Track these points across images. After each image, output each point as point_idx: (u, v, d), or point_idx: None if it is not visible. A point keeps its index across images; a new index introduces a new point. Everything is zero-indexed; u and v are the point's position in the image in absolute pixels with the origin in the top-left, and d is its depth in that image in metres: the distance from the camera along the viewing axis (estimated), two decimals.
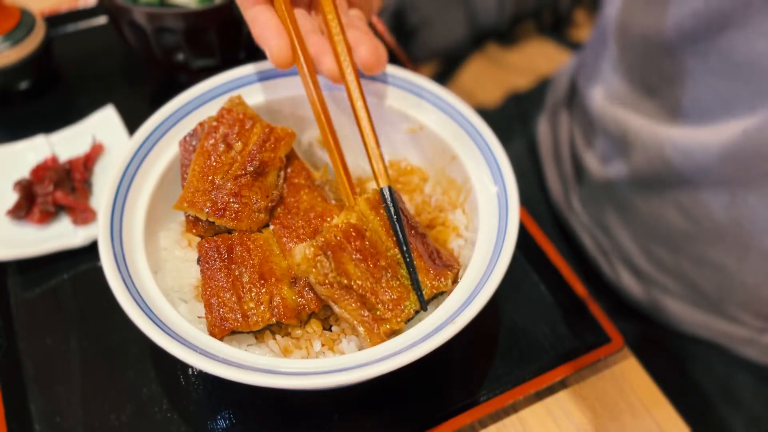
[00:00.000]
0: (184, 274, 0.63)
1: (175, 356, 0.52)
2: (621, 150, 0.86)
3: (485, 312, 0.54)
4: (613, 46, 0.86)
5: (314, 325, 0.59)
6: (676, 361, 0.90)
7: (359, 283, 0.56)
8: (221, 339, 0.56)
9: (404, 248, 0.58)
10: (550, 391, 0.69)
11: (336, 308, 0.56)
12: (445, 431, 0.63)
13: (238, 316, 0.56)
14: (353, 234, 0.57)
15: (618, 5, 0.83)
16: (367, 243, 0.58)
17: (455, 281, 0.60)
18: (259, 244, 0.60)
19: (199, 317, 0.60)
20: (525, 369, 0.67)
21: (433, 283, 0.58)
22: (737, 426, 0.85)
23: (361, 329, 0.56)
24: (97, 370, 0.66)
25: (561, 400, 0.68)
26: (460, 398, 0.65)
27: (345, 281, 0.56)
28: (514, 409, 0.67)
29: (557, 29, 1.82)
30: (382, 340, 0.55)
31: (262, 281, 0.58)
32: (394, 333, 0.56)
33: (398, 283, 0.58)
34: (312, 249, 0.55)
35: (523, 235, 0.76)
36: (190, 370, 0.66)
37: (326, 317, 0.60)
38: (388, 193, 0.60)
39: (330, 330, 0.60)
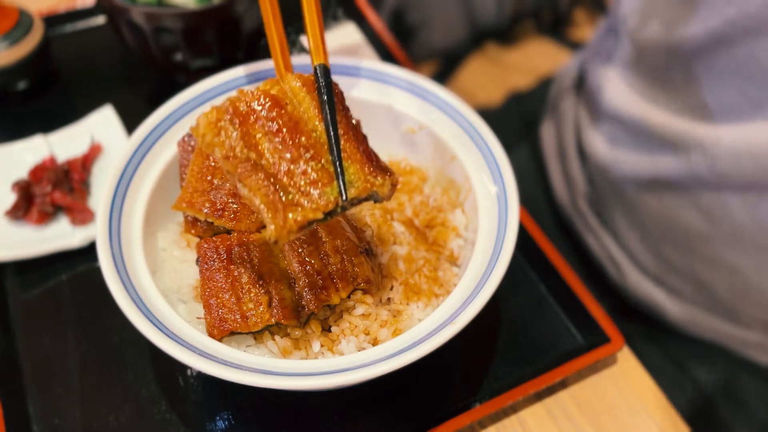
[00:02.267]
0: (183, 274, 0.63)
1: (174, 357, 0.52)
2: (639, 148, 0.85)
3: (485, 312, 0.54)
4: (628, 45, 0.85)
5: (313, 326, 0.59)
6: (677, 362, 0.90)
7: (271, 159, 0.48)
8: (220, 340, 0.56)
9: (330, 126, 0.49)
10: (550, 391, 0.68)
11: (240, 188, 0.48)
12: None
13: (237, 316, 0.56)
14: (268, 103, 0.49)
15: (633, 6, 0.83)
16: (286, 117, 0.49)
17: (392, 188, 0.51)
18: (258, 244, 0.60)
19: (198, 318, 0.60)
20: (525, 369, 0.67)
21: (368, 177, 0.49)
22: (740, 429, 0.84)
23: (266, 214, 0.47)
24: (96, 372, 0.66)
25: (561, 400, 0.68)
26: (460, 399, 0.65)
27: (253, 156, 0.47)
28: (513, 409, 0.67)
29: (557, 29, 1.82)
30: (290, 231, 0.47)
31: (261, 282, 0.57)
32: (308, 224, 0.48)
33: (320, 166, 0.49)
34: (215, 113, 0.47)
35: (523, 235, 0.76)
36: (188, 371, 0.66)
37: (325, 318, 0.60)
38: (322, 71, 0.54)
39: (329, 331, 0.60)
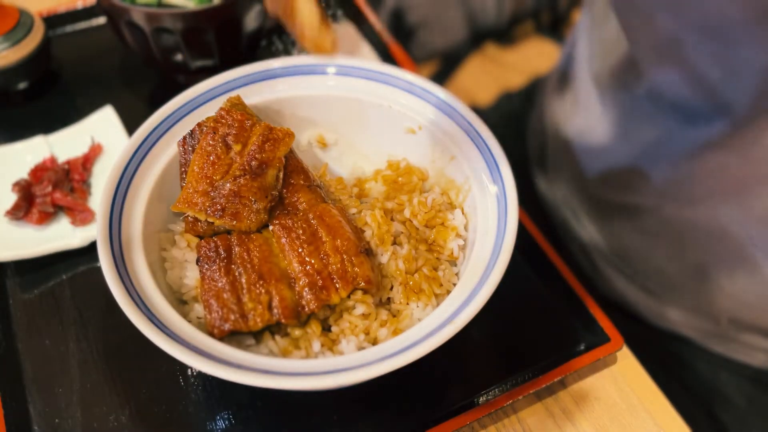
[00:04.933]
0: (183, 274, 0.63)
1: (174, 357, 0.52)
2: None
3: (484, 311, 0.54)
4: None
5: (313, 326, 0.59)
6: (666, 361, 0.90)
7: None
8: (220, 339, 0.56)
9: None
10: (550, 391, 0.69)
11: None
12: (444, 431, 0.63)
13: (237, 316, 0.56)
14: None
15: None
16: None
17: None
18: (258, 244, 0.60)
19: (198, 318, 0.60)
20: (524, 369, 0.67)
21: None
22: (728, 424, 0.85)
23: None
24: (96, 371, 0.66)
25: (560, 400, 0.68)
26: (459, 398, 0.65)
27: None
28: (513, 409, 0.67)
29: (556, 29, 1.82)
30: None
31: (261, 281, 0.58)
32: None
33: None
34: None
35: (522, 234, 0.76)
36: (189, 370, 0.66)
37: (325, 318, 0.60)
38: None
39: (329, 330, 0.60)
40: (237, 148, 0.63)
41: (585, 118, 0.89)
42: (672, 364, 0.91)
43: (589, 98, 0.88)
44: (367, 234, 0.64)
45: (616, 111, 0.83)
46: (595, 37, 0.86)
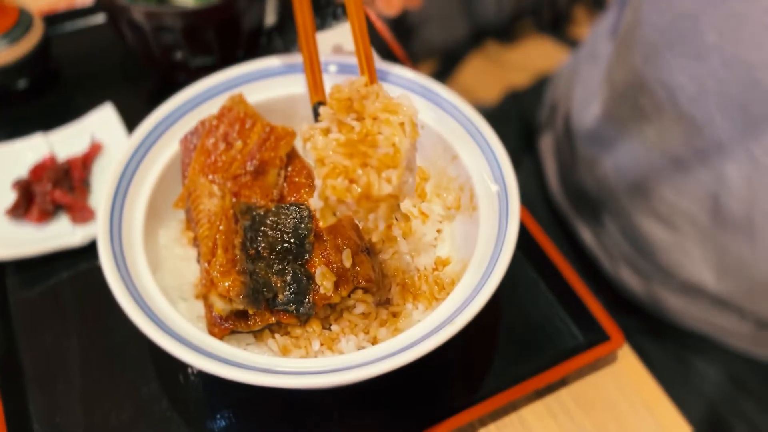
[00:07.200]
0: (184, 272, 0.63)
1: (175, 355, 0.52)
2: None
3: (485, 310, 0.54)
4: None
5: (313, 325, 0.59)
6: (677, 358, 0.90)
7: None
8: (221, 338, 0.56)
9: None
10: (550, 389, 0.69)
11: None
12: (445, 430, 0.63)
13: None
14: None
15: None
16: None
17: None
18: None
19: (198, 316, 0.60)
20: (525, 367, 0.67)
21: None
22: (730, 423, 0.85)
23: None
24: (97, 370, 0.66)
25: (561, 398, 0.68)
26: (460, 397, 0.65)
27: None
28: (514, 407, 0.67)
29: (556, 27, 1.82)
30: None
31: None
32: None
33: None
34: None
35: (524, 234, 0.76)
36: (189, 369, 0.66)
37: (326, 316, 0.60)
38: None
39: (329, 329, 0.60)
40: (238, 146, 0.63)
41: (608, 102, 0.88)
42: (673, 362, 0.91)
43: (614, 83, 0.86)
44: None
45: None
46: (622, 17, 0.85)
